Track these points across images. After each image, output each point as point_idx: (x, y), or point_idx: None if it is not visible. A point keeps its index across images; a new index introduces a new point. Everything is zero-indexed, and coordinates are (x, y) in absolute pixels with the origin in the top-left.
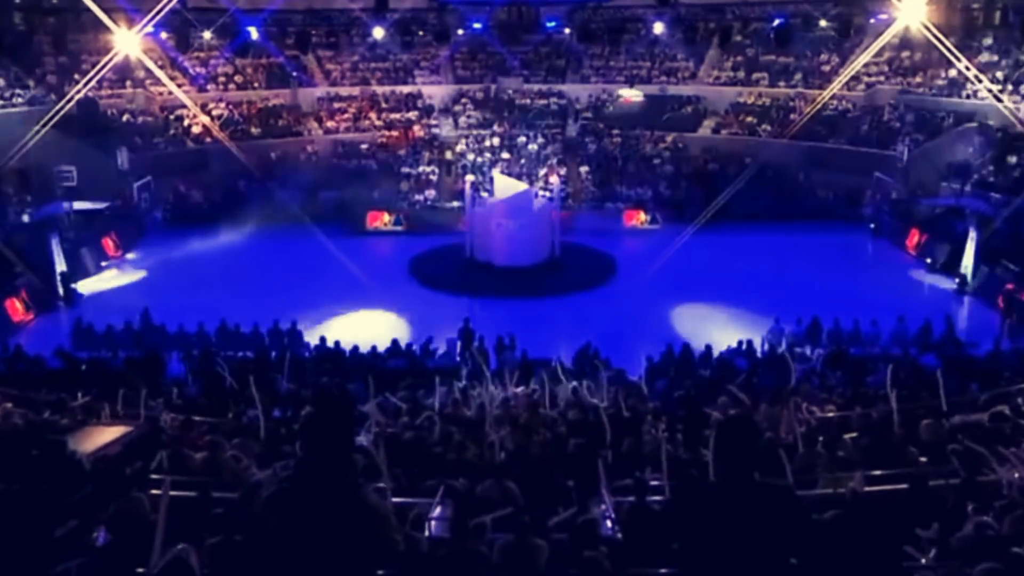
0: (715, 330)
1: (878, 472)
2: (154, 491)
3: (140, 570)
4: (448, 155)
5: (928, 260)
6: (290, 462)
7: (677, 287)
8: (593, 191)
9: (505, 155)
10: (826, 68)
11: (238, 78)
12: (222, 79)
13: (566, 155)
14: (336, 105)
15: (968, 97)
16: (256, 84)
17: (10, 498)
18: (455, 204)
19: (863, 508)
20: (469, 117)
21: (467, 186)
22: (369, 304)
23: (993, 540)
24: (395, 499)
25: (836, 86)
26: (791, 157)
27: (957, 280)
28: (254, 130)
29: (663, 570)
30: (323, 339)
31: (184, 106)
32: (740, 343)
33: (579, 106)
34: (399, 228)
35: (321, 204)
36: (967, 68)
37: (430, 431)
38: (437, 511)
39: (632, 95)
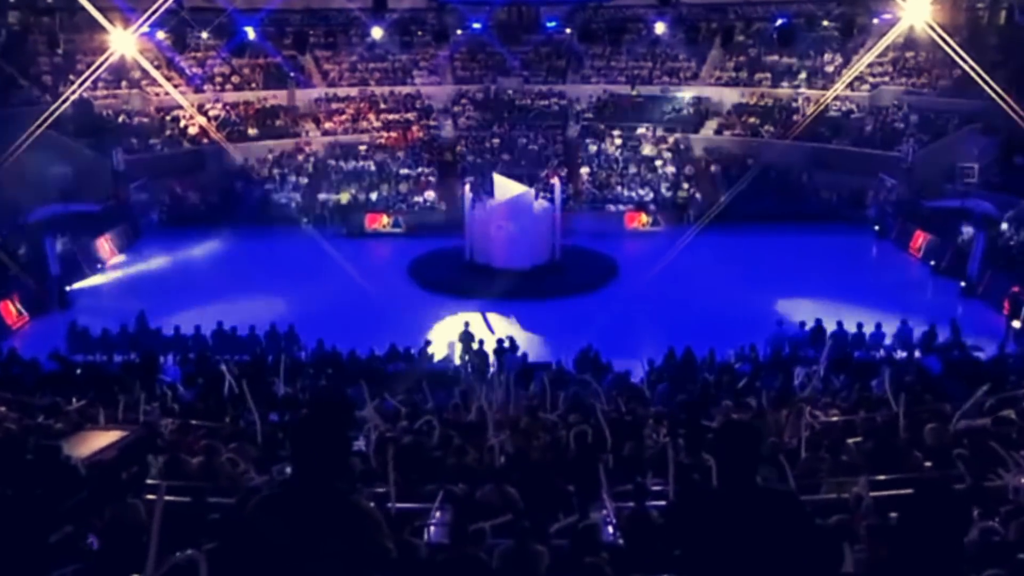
0: (717, 333)
1: (882, 477)
2: (150, 496)
3: None
4: (448, 156)
5: (932, 262)
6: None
7: (679, 290)
8: (594, 192)
9: (505, 156)
10: (829, 68)
11: (235, 78)
12: (219, 79)
13: (567, 156)
14: (334, 106)
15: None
16: (253, 85)
17: (4, 503)
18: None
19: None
20: (469, 118)
21: (467, 188)
22: (368, 306)
23: (999, 546)
24: (394, 504)
25: (840, 86)
26: (794, 158)
27: (962, 283)
28: (251, 131)
29: None
30: (321, 342)
31: (180, 107)
32: (742, 347)
33: (580, 107)
34: (398, 230)
35: (319, 205)
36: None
37: (429, 435)
38: (436, 516)
39: None
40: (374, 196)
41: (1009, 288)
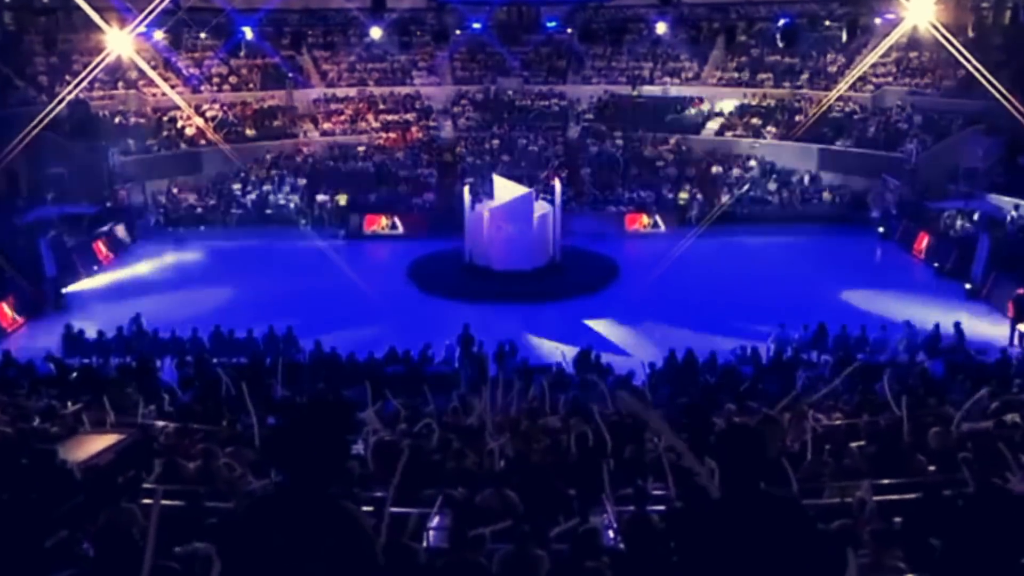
0: (719, 336)
1: (886, 481)
2: (146, 500)
3: None
4: (447, 157)
5: (937, 264)
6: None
7: (680, 292)
8: (594, 194)
9: (505, 157)
10: (832, 69)
11: (232, 79)
12: (216, 80)
13: (567, 157)
14: (333, 106)
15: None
16: (251, 85)
17: None
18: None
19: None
20: (468, 119)
21: (466, 189)
22: (366, 309)
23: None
24: (393, 508)
25: (843, 87)
26: (797, 159)
27: (967, 285)
28: (249, 132)
29: None
30: (319, 344)
31: (177, 107)
32: (745, 349)
33: (580, 107)
34: (397, 232)
35: (317, 207)
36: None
37: (428, 439)
38: (435, 521)
39: None
40: (373, 197)
41: (1014, 290)
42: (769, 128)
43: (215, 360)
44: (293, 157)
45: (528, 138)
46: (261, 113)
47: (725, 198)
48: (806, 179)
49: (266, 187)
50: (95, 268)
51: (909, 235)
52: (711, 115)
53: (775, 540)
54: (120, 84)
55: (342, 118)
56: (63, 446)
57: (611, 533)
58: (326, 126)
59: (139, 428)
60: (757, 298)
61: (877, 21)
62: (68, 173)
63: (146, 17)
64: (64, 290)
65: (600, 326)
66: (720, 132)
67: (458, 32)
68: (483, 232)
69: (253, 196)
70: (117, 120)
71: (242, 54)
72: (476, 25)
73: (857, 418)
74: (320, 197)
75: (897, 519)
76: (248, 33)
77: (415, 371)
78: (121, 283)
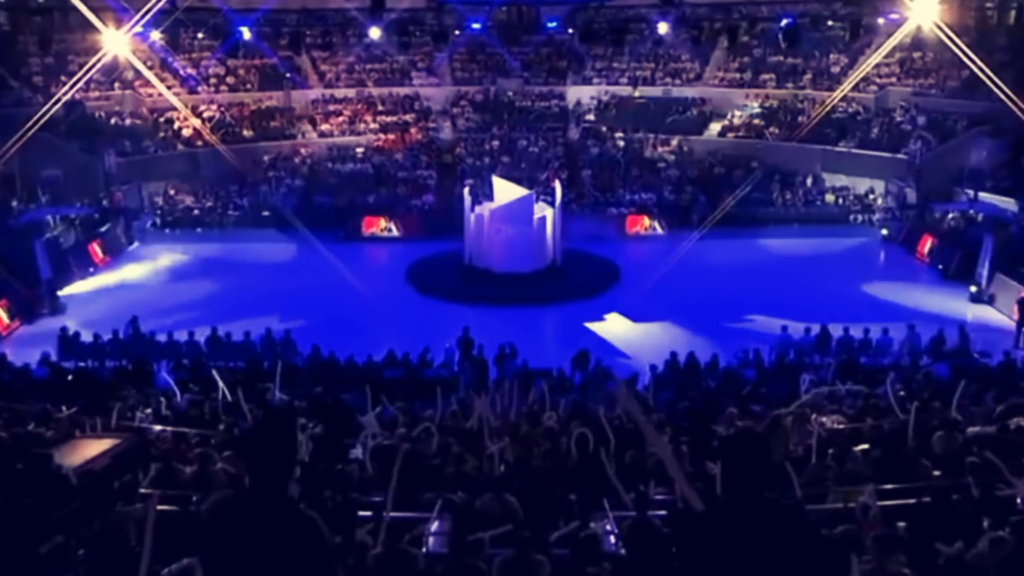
0: (721, 339)
1: (890, 486)
2: (141, 505)
3: None
4: (446, 159)
5: (941, 267)
6: None
7: (681, 294)
8: (595, 196)
9: (505, 159)
10: (835, 69)
11: (230, 79)
12: (213, 80)
13: (567, 159)
14: (331, 107)
15: None
16: (248, 86)
17: None
18: None
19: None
20: (468, 120)
21: (466, 191)
22: (365, 312)
23: (1009, 556)
24: (393, 513)
25: (846, 88)
26: (800, 160)
27: (972, 287)
28: (246, 133)
29: None
30: (317, 348)
31: (174, 108)
32: (747, 352)
33: (581, 109)
34: (396, 234)
35: (315, 209)
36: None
37: (427, 443)
38: (435, 526)
39: None
40: (371, 199)
41: (1019, 292)
42: (772, 129)
43: (212, 364)
44: (291, 158)
45: (528, 139)
46: (259, 114)
47: (727, 200)
48: (809, 181)
49: (263, 188)
50: (91, 270)
51: (913, 237)
52: (713, 116)
53: (778, 545)
54: (116, 85)
55: (340, 119)
56: (59, 451)
57: (612, 539)
58: (324, 127)
59: (135, 432)
60: (759, 301)
61: (880, 21)
62: (64, 174)
63: (143, 17)
64: (59, 292)
65: (601, 329)
66: (722, 133)
67: (457, 32)
68: (483, 234)
69: (250, 198)
70: (113, 121)
71: (240, 54)
72: (476, 25)
73: (861, 422)
74: (318, 198)
75: (901, 524)
76: (246, 33)
77: (414, 375)
78: (117, 285)
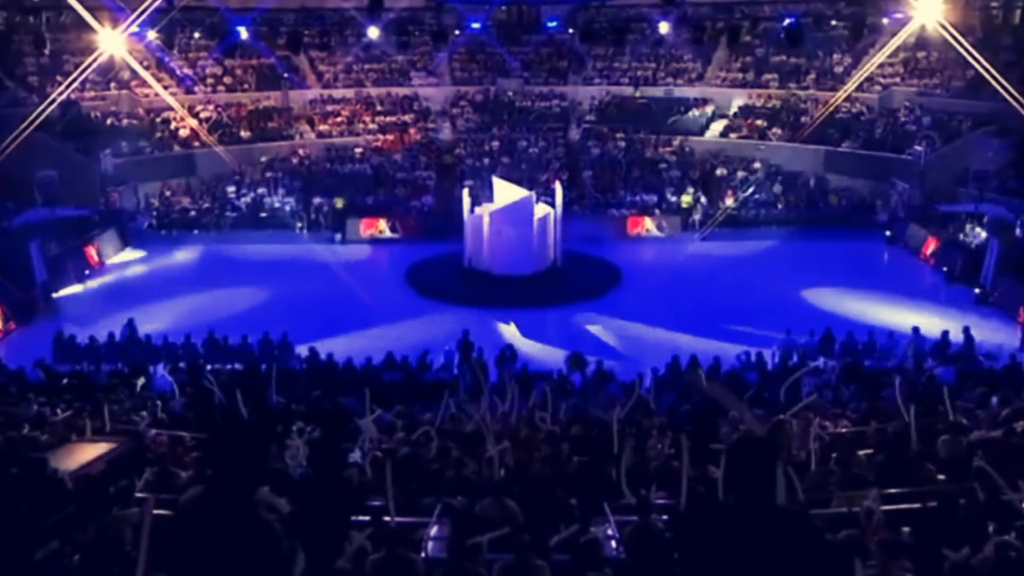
0: (724, 342)
1: (894, 490)
2: (137, 509)
3: None
4: (446, 159)
5: (945, 269)
6: None
7: (683, 296)
8: (596, 197)
9: (505, 159)
10: (839, 69)
11: (227, 79)
12: (210, 80)
13: (568, 159)
14: (329, 107)
15: None
16: (246, 86)
17: None
18: None
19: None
20: (467, 120)
21: (465, 192)
22: (364, 314)
23: (1015, 561)
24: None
25: (850, 88)
26: (802, 161)
27: (976, 290)
28: (244, 133)
29: None
30: (315, 351)
31: (171, 108)
32: (750, 355)
33: (581, 109)
34: (395, 235)
35: (314, 210)
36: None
37: (427, 447)
38: (434, 530)
39: None
40: (370, 200)
41: None
42: (774, 130)
43: (209, 367)
44: (289, 159)
45: (528, 140)
46: (256, 114)
47: (729, 201)
48: (812, 182)
49: (261, 190)
50: (86, 272)
51: (917, 239)
52: (716, 116)
53: (781, 550)
54: (112, 85)
55: (339, 119)
56: (54, 455)
57: (613, 543)
58: (322, 127)
59: (131, 436)
60: (762, 303)
61: (884, 21)
62: (59, 175)
63: (139, 16)
64: (55, 295)
65: (602, 332)
66: (724, 134)
67: (457, 32)
68: (482, 236)
69: (248, 199)
70: (109, 121)
71: (237, 54)
72: (475, 25)
73: (864, 426)
74: (316, 200)
75: (905, 529)
76: (243, 33)
77: (413, 378)
78: (113, 288)
